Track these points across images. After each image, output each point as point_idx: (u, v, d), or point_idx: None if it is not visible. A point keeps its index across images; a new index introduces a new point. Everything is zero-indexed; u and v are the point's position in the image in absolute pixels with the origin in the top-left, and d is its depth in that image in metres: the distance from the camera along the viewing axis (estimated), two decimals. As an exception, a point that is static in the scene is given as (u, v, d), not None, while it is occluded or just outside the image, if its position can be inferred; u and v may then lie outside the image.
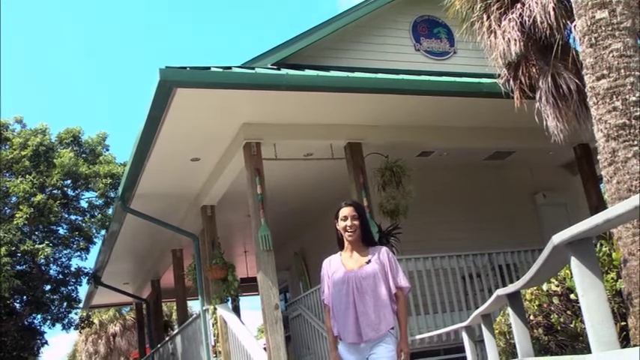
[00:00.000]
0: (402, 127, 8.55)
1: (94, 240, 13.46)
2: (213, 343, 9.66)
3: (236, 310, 10.35)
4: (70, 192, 13.07)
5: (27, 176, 12.18)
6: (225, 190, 9.50)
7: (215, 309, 9.27)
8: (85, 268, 14.04)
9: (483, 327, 4.99)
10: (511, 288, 3.63)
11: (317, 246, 11.36)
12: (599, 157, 4.16)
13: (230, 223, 11.27)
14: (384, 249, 4.00)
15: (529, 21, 6.62)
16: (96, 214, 13.36)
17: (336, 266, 3.96)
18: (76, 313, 14.62)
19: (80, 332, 23.27)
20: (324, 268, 4.05)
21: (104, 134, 14.01)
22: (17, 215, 11.75)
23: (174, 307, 19.24)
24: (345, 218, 3.93)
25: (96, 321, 26.27)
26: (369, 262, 3.89)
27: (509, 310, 3.85)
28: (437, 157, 10.00)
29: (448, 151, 9.82)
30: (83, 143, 13.63)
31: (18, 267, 12.40)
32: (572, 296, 4.12)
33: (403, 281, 3.92)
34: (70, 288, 13.64)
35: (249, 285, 13.77)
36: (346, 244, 3.98)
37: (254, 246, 7.75)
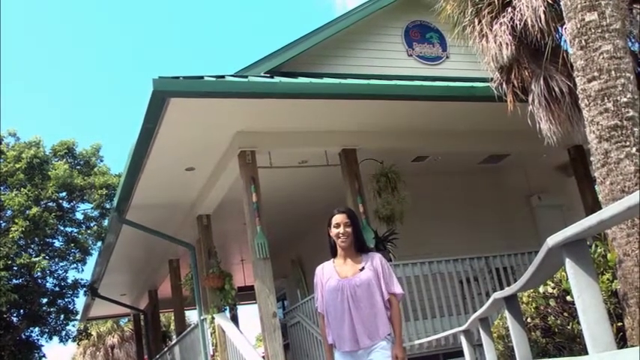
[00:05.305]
0: (396, 133, 8.57)
1: (91, 251, 13.43)
2: (212, 353, 9.64)
3: (234, 318, 10.31)
4: (65, 204, 13.04)
5: (22, 189, 12.15)
6: (220, 199, 9.49)
7: (213, 318, 9.24)
8: (82, 279, 14.00)
9: (481, 331, 4.99)
10: (508, 291, 3.63)
11: (314, 253, 11.32)
12: (592, 158, 4.18)
13: (226, 232, 11.25)
14: (377, 255, 3.98)
15: (520, 24, 6.64)
16: (92, 225, 13.33)
17: (330, 274, 3.94)
18: (73, 326, 14.55)
19: (78, 344, 23.15)
20: (318, 276, 4.04)
21: (98, 145, 14.00)
22: (13, 229, 11.71)
23: (172, 318, 19.21)
24: (338, 225, 3.92)
25: (94, 333, 26.15)
26: (362, 269, 3.87)
27: (507, 314, 3.85)
28: (432, 162, 10.02)
29: (443, 156, 9.84)
30: (77, 155, 13.60)
31: (14, 280, 12.34)
32: (568, 298, 4.13)
33: (396, 288, 3.90)
34: (67, 300, 13.58)
35: (247, 293, 13.75)
36: (339, 251, 3.96)
37: (250, 254, 7.74)
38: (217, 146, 8.20)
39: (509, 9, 6.87)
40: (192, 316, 22.38)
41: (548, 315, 4.46)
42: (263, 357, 7.80)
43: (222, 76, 7.38)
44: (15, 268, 11.99)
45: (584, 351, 2.64)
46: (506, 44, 6.75)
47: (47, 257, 12.50)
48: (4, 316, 12.75)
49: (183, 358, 11.86)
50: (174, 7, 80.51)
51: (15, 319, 13.29)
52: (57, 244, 13.16)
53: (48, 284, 13.32)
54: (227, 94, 7.16)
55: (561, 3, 4.52)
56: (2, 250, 11.55)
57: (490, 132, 9.05)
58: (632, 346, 3.60)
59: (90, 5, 73.66)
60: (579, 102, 4.33)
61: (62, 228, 13.07)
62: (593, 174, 4.64)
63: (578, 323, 3.48)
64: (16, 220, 11.70)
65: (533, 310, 4.62)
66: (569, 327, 4.21)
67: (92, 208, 13.24)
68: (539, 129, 6.77)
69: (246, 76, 7.80)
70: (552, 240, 2.30)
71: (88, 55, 77.59)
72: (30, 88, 70.85)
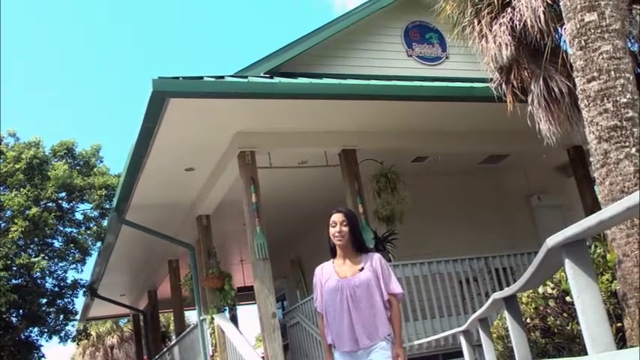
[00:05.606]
0: (396, 133, 8.57)
1: (90, 252, 13.41)
2: (211, 353, 9.63)
3: (233, 319, 10.31)
4: (64, 204, 13.02)
5: (21, 189, 12.14)
6: (220, 200, 9.49)
7: (212, 319, 9.24)
8: (82, 280, 13.98)
9: (481, 331, 4.99)
10: (507, 291, 3.63)
11: (314, 253, 11.31)
12: (591, 159, 4.18)
13: (226, 233, 11.25)
14: (376, 255, 3.97)
15: (520, 25, 6.64)
16: (91, 225, 13.31)
17: (329, 274, 3.93)
18: (73, 326, 14.54)
19: (78, 345, 23.16)
20: (317, 276, 4.03)
21: (98, 146, 13.98)
22: (12, 229, 11.69)
23: (172, 318, 19.27)
24: (335, 224, 3.91)
25: (93, 333, 26.14)
26: (362, 269, 3.86)
27: (506, 314, 3.85)
28: (431, 162, 10.03)
29: (443, 156, 9.84)
30: (77, 155, 13.59)
31: (14, 281, 12.34)
32: (567, 299, 4.13)
33: (396, 288, 3.89)
34: (66, 300, 13.56)
35: (247, 294, 13.75)
36: (338, 251, 3.95)
37: (250, 254, 7.74)
38: (217, 146, 8.20)
39: (509, 9, 6.87)
40: (191, 316, 22.40)
41: (547, 315, 4.45)
42: (262, 357, 7.80)
43: (222, 77, 7.38)
44: (14, 268, 11.98)
45: (583, 351, 2.64)
46: (506, 44, 6.74)
47: (47, 257, 12.48)
48: (4, 316, 12.74)
49: (182, 359, 11.85)
50: (174, 7, 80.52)
51: (14, 320, 13.28)
52: (56, 244, 13.15)
53: (47, 284, 13.31)
54: (226, 94, 7.16)
55: (561, 3, 4.51)
56: (2, 251, 11.54)
57: (490, 132, 9.05)
58: (632, 346, 3.60)
59: (91, 5, 73.69)
60: (579, 102, 4.32)
61: (62, 228, 13.05)
62: (592, 174, 4.64)
63: (578, 324, 3.48)
64: (16, 221, 11.69)
65: (532, 310, 4.61)
66: (568, 327, 4.20)
67: (92, 208, 13.21)
68: (539, 129, 6.77)
69: (246, 77, 7.80)
70: (552, 240, 2.30)
71: (88, 55, 77.59)
72: (30, 88, 70.87)
